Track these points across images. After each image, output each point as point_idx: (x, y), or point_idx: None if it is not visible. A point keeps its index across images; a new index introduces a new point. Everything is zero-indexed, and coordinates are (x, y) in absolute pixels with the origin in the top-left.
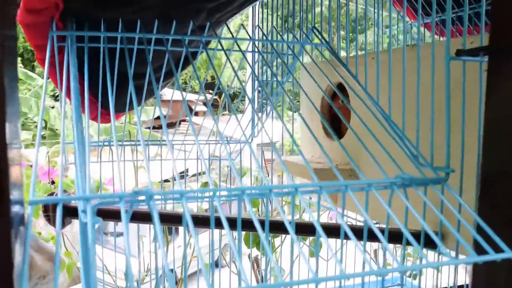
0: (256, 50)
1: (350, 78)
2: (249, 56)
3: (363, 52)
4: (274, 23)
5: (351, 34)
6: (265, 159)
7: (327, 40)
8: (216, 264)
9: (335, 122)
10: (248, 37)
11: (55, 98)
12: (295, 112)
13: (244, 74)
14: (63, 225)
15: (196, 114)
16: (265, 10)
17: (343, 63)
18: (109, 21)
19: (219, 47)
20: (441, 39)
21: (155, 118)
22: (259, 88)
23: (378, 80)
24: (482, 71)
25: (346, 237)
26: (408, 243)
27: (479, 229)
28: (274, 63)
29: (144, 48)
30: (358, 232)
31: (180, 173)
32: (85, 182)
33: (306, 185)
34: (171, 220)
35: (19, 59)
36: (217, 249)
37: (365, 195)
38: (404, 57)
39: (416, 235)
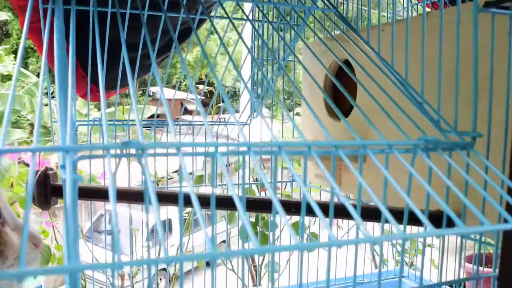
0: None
1: (358, 52)
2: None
3: (374, 24)
4: None
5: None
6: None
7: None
8: (208, 264)
9: (339, 102)
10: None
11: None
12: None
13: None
14: (49, 205)
15: (190, 112)
16: None
17: (354, 29)
18: None
19: (218, 16)
20: None
21: (148, 117)
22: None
23: (393, 38)
24: None
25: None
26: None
27: (510, 194)
28: (275, 35)
29: (138, 13)
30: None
31: (175, 171)
32: (65, 131)
33: (345, 143)
34: (166, 199)
35: (12, 56)
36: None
37: (385, 158)
38: (424, 16)
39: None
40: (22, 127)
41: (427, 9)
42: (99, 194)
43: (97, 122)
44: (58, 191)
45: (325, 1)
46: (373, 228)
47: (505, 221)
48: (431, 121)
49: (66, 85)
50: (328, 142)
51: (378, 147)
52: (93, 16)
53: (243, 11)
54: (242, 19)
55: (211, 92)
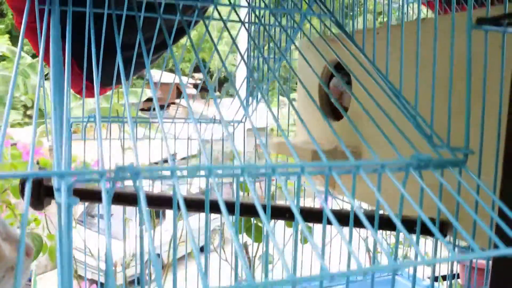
0: (255, 20)
1: (352, 60)
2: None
3: (368, 27)
4: None
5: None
6: (257, 144)
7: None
8: (202, 249)
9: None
10: (247, 4)
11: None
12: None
13: (235, 58)
14: (43, 206)
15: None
16: None
17: (349, 35)
18: None
19: (215, 17)
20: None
21: (144, 101)
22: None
23: (388, 51)
24: (505, 43)
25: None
26: (425, 232)
27: (501, 215)
28: (271, 38)
29: (134, 14)
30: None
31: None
32: (60, 155)
33: (338, 164)
34: (159, 203)
35: (7, 36)
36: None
37: (377, 178)
38: (419, 26)
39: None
40: (16, 108)
41: (423, 9)
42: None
43: (92, 119)
44: (51, 192)
45: (321, 6)
46: (358, 234)
47: (496, 246)
48: (424, 136)
49: (62, 107)
50: (322, 163)
51: (371, 167)
52: (89, 18)
53: (238, 15)
54: (237, 21)
55: (210, 77)
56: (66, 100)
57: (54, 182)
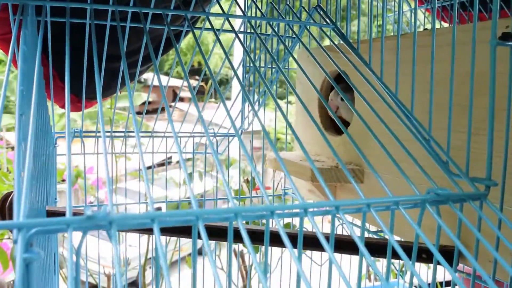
0: (251, 30)
1: (357, 75)
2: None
3: (374, 38)
4: None
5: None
6: (254, 147)
7: (334, 21)
8: (200, 252)
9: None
10: (242, 14)
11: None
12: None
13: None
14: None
15: (182, 100)
16: None
17: (354, 48)
18: None
19: (207, 25)
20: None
21: (140, 104)
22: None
23: (398, 68)
24: None
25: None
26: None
27: None
28: (268, 47)
29: (117, 25)
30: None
31: (162, 161)
32: (20, 202)
33: (346, 203)
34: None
35: None
36: None
37: (390, 215)
38: (434, 38)
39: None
40: (11, 112)
41: (425, 16)
42: None
43: (77, 134)
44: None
45: (324, 17)
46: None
47: None
48: (439, 163)
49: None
50: (328, 203)
51: (383, 204)
52: (70, 28)
53: (231, 25)
54: (230, 31)
55: (206, 80)
56: (31, 121)
57: (14, 235)
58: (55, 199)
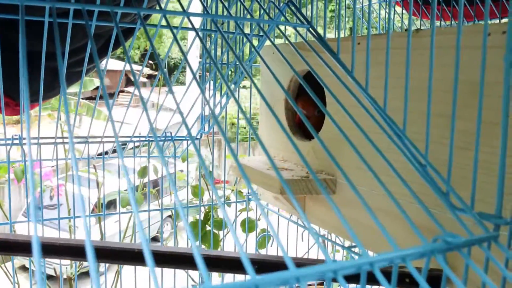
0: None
1: (323, 68)
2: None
3: (347, 35)
4: None
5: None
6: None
7: (308, 18)
8: (158, 240)
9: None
10: (205, 12)
11: None
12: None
13: (185, 45)
14: None
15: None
16: None
17: (333, 53)
18: None
19: (163, 23)
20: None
21: (93, 89)
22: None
23: (387, 74)
24: None
25: None
26: None
27: None
28: (231, 45)
29: (61, 22)
30: None
31: (99, 154)
32: None
33: (345, 264)
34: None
35: None
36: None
37: (393, 269)
38: (433, 41)
39: None
40: None
41: (399, 10)
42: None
43: (16, 141)
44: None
45: (297, 14)
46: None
47: None
48: (438, 193)
49: None
50: (324, 267)
51: (386, 260)
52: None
53: (191, 23)
54: (190, 29)
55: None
56: None
57: None
58: None
